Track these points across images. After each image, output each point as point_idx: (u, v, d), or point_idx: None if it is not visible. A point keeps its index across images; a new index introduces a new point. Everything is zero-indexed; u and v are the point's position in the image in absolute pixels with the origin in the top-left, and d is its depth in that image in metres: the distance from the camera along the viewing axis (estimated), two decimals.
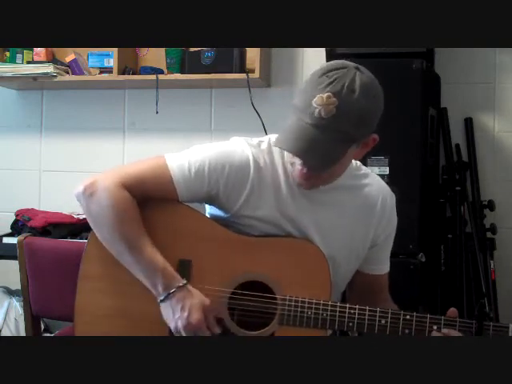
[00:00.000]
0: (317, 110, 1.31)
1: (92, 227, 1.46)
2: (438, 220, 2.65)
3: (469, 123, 2.75)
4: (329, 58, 2.57)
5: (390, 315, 1.41)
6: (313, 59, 2.85)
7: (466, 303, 2.54)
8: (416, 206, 2.34)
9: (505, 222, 2.73)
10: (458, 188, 2.66)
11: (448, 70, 2.74)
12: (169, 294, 1.38)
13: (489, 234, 2.67)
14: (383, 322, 1.41)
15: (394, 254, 2.31)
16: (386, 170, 2.34)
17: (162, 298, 1.39)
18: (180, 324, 1.37)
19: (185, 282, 1.40)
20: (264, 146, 1.51)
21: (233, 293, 1.44)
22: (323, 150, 1.34)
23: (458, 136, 2.76)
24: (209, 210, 1.57)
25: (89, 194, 1.42)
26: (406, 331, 1.41)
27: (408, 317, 1.41)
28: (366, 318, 1.42)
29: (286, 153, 1.48)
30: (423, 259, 2.33)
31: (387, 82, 2.37)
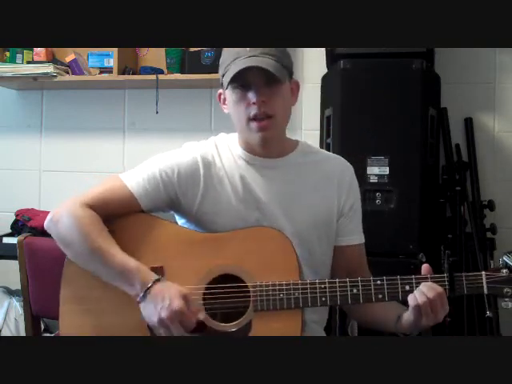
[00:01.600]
0: (248, 49, 1.47)
1: (64, 251, 1.49)
2: (438, 220, 2.65)
3: (469, 123, 2.75)
4: (329, 57, 2.58)
5: (360, 283, 1.43)
6: (313, 59, 2.85)
7: (466, 303, 2.54)
8: (416, 206, 2.34)
9: (505, 222, 2.73)
10: (458, 188, 2.66)
11: (448, 70, 2.74)
12: (147, 289, 1.39)
13: (489, 234, 2.67)
14: (355, 290, 1.43)
15: (393, 254, 2.32)
16: (386, 170, 2.34)
17: (141, 295, 1.40)
18: (163, 314, 1.37)
19: (159, 276, 1.42)
20: (210, 144, 1.60)
21: (206, 288, 1.46)
22: (270, 63, 1.46)
23: (458, 136, 2.76)
24: (179, 221, 1.60)
25: (55, 221, 1.49)
26: (380, 296, 1.42)
27: (379, 282, 1.43)
28: (338, 289, 1.43)
29: (234, 140, 1.59)
30: (423, 259, 2.32)
31: (387, 81, 2.40)
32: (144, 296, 1.40)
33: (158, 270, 1.46)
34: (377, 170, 2.34)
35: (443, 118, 2.72)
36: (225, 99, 1.57)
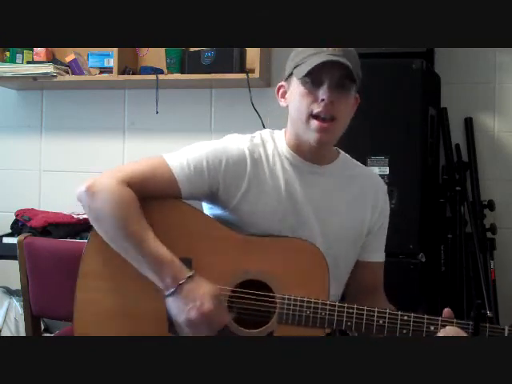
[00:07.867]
0: (330, 49, 1.45)
1: (94, 226, 1.46)
2: (438, 220, 2.65)
3: (469, 123, 2.75)
4: None
5: (387, 315, 1.42)
6: None
7: (466, 303, 2.54)
8: (416, 206, 2.34)
9: (505, 222, 2.74)
10: (458, 188, 2.66)
11: (448, 70, 2.74)
12: (178, 285, 1.37)
13: (489, 234, 2.67)
14: (381, 322, 1.42)
15: (393, 254, 2.31)
16: (386, 170, 2.35)
17: (171, 290, 1.38)
18: (192, 315, 1.36)
19: (193, 272, 1.40)
20: (257, 140, 1.56)
21: (232, 291, 1.44)
22: (349, 64, 1.44)
23: (458, 136, 2.76)
24: (209, 210, 1.57)
25: (91, 193, 1.43)
26: (404, 331, 1.41)
27: (406, 317, 1.42)
28: (364, 317, 1.42)
29: (280, 139, 1.56)
30: (423, 259, 2.33)
31: (387, 82, 2.40)
32: (175, 291, 1.37)
33: (186, 262, 1.42)
34: (377, 170, 2.34)
35: (443, 118, 2.72)
36: (284, 92, 1.55)
